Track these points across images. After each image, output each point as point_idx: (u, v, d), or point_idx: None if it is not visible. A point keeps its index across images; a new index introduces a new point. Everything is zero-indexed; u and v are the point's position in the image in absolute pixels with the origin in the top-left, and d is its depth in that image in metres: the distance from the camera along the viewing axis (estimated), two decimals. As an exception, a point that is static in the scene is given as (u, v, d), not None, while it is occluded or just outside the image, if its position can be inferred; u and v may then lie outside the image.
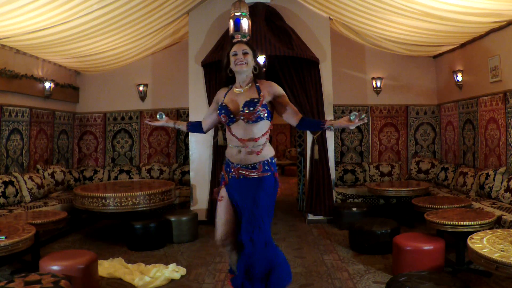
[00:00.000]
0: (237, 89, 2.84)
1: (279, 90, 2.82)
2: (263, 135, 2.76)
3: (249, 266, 2.65)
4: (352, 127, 2.55)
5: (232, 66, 2.80)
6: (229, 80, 2.91)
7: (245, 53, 2.77)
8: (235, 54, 2.78)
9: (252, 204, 2.66)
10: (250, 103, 2.70)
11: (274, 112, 2.91)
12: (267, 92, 2.79)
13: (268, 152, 2.80)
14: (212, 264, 4.26)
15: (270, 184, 2.76)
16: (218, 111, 2.82)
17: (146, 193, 5.00)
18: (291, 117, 2.81)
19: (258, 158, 2.74)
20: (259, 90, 2.78)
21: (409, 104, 7.28)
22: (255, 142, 2.74)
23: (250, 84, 2.82)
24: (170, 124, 3.12)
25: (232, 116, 2.75)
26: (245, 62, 2.76)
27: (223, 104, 2.80)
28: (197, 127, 3.14)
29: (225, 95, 2.87)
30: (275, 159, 2.87)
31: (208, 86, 5.94)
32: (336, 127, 2.67)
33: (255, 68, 2.83)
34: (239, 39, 4.39)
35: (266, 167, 2.76)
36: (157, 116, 3.08)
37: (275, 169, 2.81)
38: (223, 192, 2.87)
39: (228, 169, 2.84)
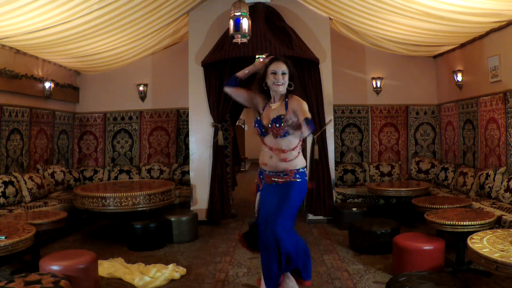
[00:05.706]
0: (272, 104, 3.00)
1: (298, 105, 2.86)
2: (292, 149, 2.89)
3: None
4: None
5: (269, 83, 2.93)
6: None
7: (283, 74, 2.91)
8: (274, 73, 2.90)
9: (278, 202, 2.87)
10: (277, 120, 2.85)
11: None
12: (291, 108, 2.88)
13: (298, 163, 2.92)
14: (212, 264, 4.26)
15: (299, 188, 2.92)
16: (254, 123, 3.01)
17: (146, 193, 5.00)
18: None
19: (288, 166, 2.89)
20: (286, 107, 2.91)
21: (409, 104, 7.28)
22: (285, 153, 2.89)
23: (281, 100, 2.96)
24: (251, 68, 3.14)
25: (264, 130, 2.95)
26: (282, 83, 2.90)
27: (259, 119, 2.99)
28: (234, 81, 3.12)
29: (263, 108, 3.02)
30: (306, 170, 3.01)
31: (208, 86, 5.94)
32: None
33: (289, 85, 2.96)
34: (240, 40, 4.40)
35: (297, 175, 2.91)
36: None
37: (304, 178, 2.95)
38: (257, 196, 3.07)
39: (261, 177, 3.02)
